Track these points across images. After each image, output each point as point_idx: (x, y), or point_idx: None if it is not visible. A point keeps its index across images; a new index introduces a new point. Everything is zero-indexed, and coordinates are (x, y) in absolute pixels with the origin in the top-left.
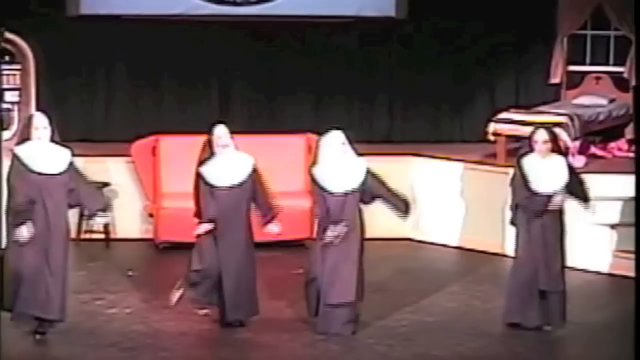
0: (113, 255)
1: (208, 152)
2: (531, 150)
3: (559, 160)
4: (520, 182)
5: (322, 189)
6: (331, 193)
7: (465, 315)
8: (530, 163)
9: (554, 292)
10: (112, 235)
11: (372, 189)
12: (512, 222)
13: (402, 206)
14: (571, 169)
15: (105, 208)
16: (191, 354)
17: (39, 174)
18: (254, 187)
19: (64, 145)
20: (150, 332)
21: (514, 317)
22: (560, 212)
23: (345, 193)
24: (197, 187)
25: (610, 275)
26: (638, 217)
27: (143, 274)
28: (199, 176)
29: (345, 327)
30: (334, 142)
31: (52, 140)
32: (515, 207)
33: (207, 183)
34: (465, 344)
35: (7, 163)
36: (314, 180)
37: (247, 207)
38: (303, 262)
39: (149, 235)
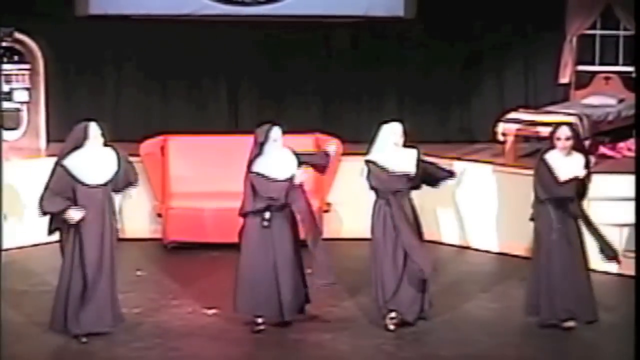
0: (122, 255)
1: (257, 150)
2: (552, 147)
3: (579, 158)
4: (547, 175)
5: (384, 169)
6: (394, 172)
7: (473, 316)
8: (553, 159)
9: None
10: (121, 235)
11: (420, 172)
12: (532, 219)
13: (446, 174)
14: (588, 168)
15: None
16: (200, 353)
17: (89, 186)
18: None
19: (111, 147)
20: (158, 332)
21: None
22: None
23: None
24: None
25: (619, 275)
26: (638, 217)
27: (151, 273)
28: (252, 174)
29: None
30: (393, 133)
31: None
32: (539, 202)
33: (263, 176)
34: (474, 345)
35: (7, 162)
36: (374, 164)
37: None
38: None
39: (158, 235)
